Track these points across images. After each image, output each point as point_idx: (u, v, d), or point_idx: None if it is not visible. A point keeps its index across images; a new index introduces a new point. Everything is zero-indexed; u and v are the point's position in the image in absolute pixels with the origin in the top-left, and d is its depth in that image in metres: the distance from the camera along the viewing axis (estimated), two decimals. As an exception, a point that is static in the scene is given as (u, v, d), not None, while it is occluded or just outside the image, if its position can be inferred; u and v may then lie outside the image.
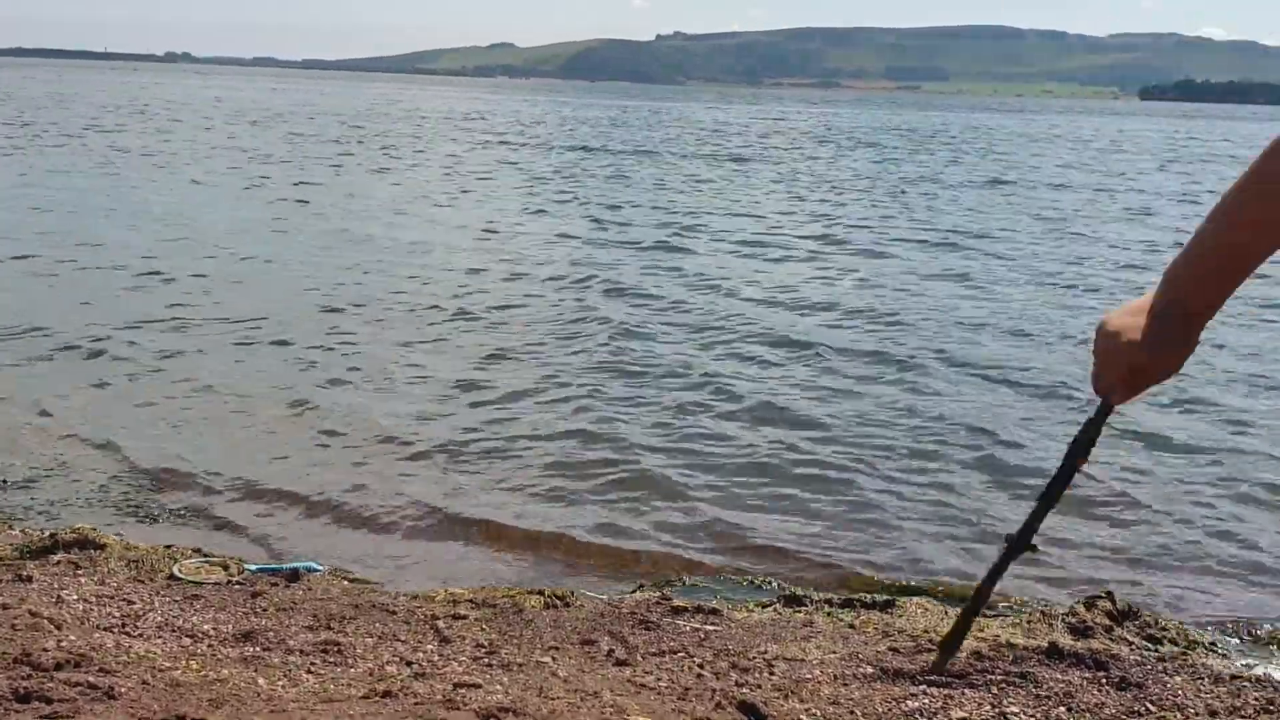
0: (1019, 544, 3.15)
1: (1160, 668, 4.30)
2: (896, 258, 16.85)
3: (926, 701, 3.91)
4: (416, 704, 3.66)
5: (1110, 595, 5.09)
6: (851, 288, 14.24)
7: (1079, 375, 9.72)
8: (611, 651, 4.34)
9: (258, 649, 4.17)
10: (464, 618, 4.68)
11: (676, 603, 4.99)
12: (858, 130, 65.20)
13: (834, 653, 4.39)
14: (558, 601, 4.99)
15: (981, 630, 4.75)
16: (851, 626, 4.77)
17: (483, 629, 4.56)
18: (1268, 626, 5.30)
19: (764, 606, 5.09)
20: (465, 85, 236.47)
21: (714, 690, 3.93)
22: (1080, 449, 2.77)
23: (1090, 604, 5.01)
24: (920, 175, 32.34)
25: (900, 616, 4.92)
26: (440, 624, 4.57)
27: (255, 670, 3.95)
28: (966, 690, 4.00)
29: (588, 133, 51.80)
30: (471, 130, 51.20)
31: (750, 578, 5.67)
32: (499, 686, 3.90)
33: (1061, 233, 19.98)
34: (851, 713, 3.81)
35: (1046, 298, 13.81)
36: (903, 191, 27.24)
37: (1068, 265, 16.46)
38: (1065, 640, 4.55)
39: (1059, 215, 22.46)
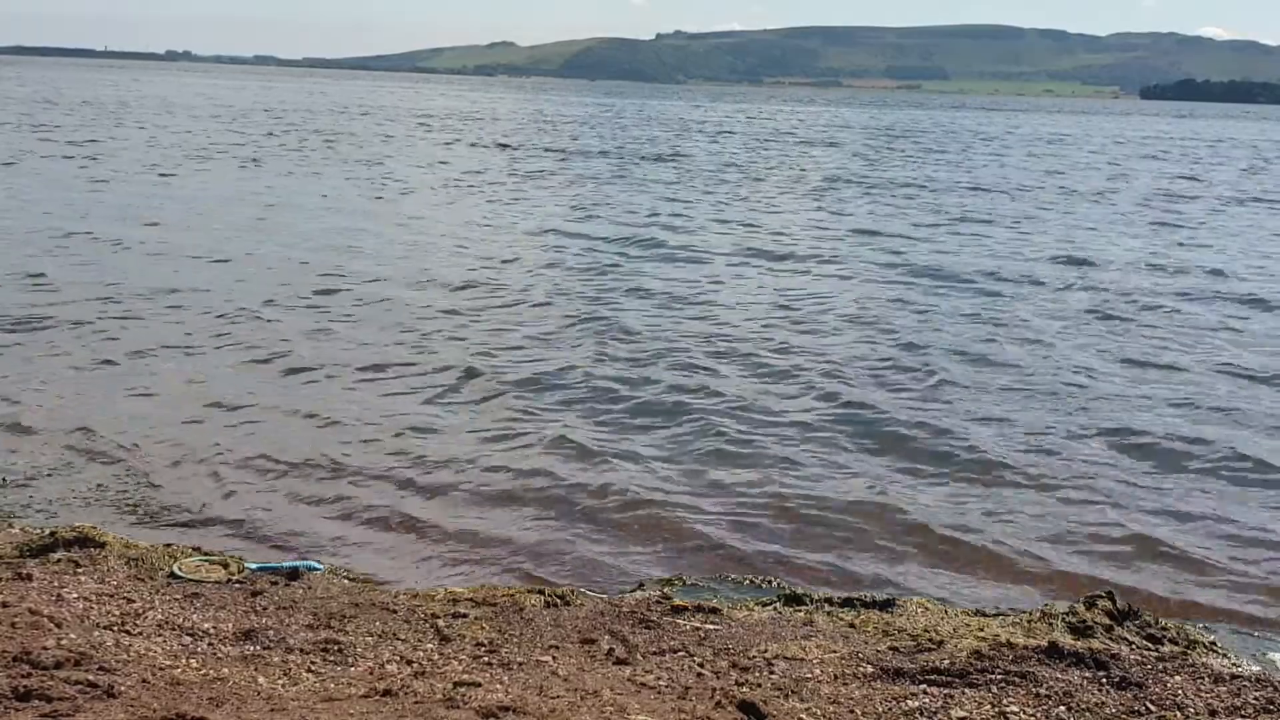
0: None
1: (1160, 667, 4.30)
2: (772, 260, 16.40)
3: (927, 701, 3.91)
4: (417, 703, 3.67)
5: (1110, 595, 5.09)
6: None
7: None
8: (612, 650, 4.34)
9: (258, 647, 4.18)
10: (464, 616, 4.68)
11: (676, 601, 4.99)
12: (829, 128, 64.65)
13: (834, 652, 4.39)
14: (558, 600, 4.99)
15: (981, 629, 4.76)
16: (851, 626, 4.77)
17: (483, 628, 4.56)
18: (1268, 626, 5.31)
19: (764, 605, 5.09)
20: (461, 83, 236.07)
21: (714, 689, 3.93)
22: None
23: (1090, 604, 5.02)
24: (851, 175, 32.03)
25: (900, 616, 4.91)
26: (440, 623, 4.58)
27: (255, 669, 3.95)
28: (967, 689, 4.00)
29: (565, 130, 51.98)
30: (437, 127, 51.16)
31: (750, 577, 5.67)
32: (499, 685, 3.90)
33: (945, 232, 19.85)
34: (851, 712, 3.81)
35: (965, 302, 13.36)
36: (820, 189, 26.96)
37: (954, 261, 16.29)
38: (1065, 640, 4.55)
39: (953, 217, 22.18)
